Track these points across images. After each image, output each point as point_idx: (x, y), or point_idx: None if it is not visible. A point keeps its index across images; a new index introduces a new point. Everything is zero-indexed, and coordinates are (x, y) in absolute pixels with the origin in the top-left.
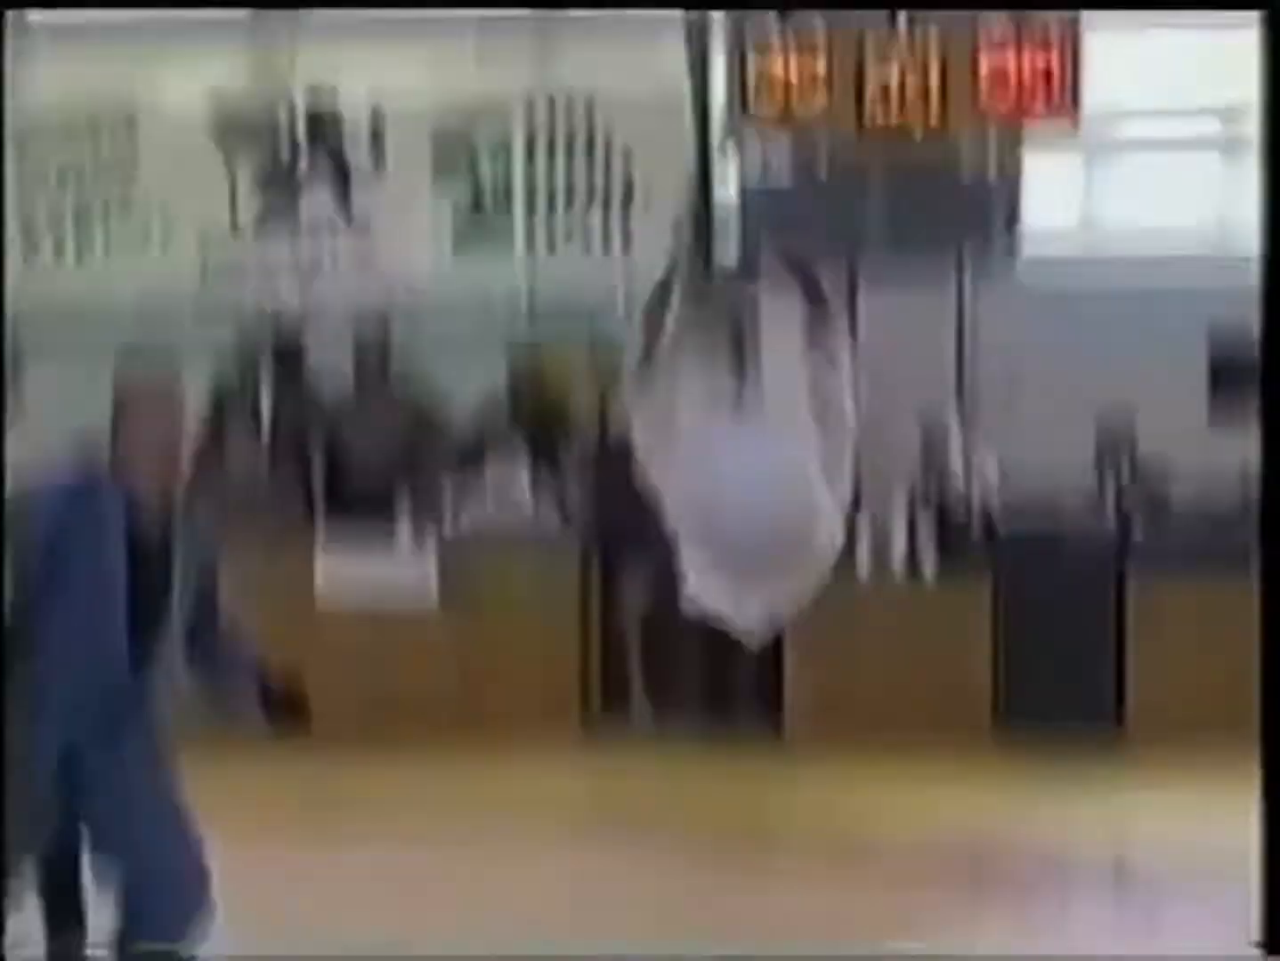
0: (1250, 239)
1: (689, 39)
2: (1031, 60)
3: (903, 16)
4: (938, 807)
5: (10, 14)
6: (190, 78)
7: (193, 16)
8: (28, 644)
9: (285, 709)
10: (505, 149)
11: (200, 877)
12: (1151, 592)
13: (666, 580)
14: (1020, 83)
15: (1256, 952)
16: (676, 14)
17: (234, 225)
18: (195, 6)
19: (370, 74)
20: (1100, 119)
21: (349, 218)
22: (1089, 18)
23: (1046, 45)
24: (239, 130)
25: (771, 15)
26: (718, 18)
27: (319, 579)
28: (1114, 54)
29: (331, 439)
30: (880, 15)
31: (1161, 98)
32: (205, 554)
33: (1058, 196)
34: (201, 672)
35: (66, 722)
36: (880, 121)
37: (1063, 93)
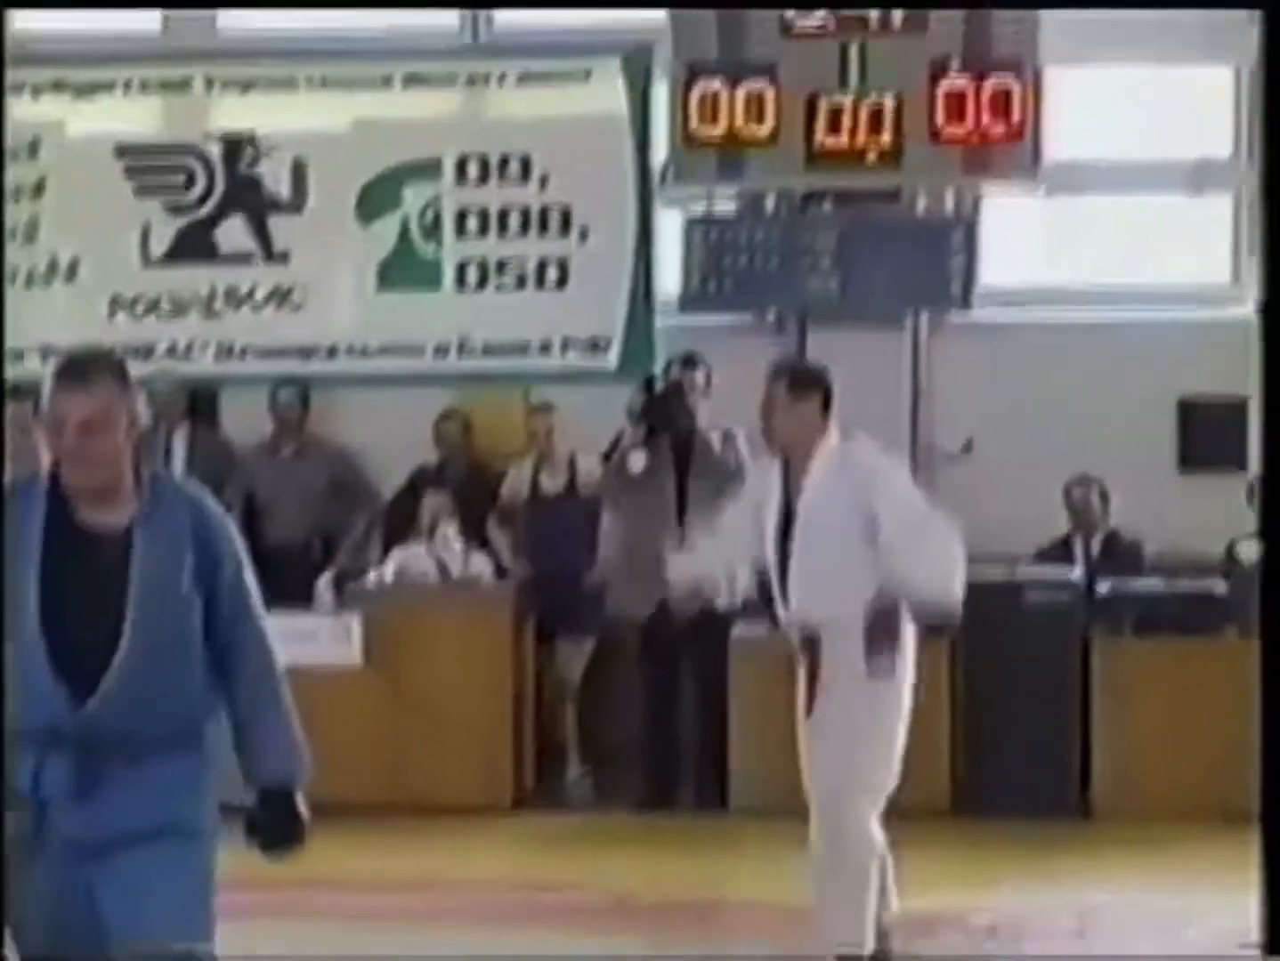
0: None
1: (627, 64)
2: (991, 87)
3: (854, 49)
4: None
5: None
6: (101, 104)
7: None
8: None
9: (279, 826)
10: (434, 176)
11: None
12: (1118, 655)
13: (604, 639)
14: (978, 109)
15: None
16: (615, 40)
17: (144, 257)
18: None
19: (293, 107)
20: (1062, 160)
21: (268, 252)
22: (1050, 47)
23: (1005, 71)
24: (150, 156)
25: (714, 42)
26: (660, 45)
27: None
28: (1078, 90)
29: (248, 487)
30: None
31: (1128, 141)
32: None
33: (1018, 234)
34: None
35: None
36: (830, 146)
37: (1023, 121)
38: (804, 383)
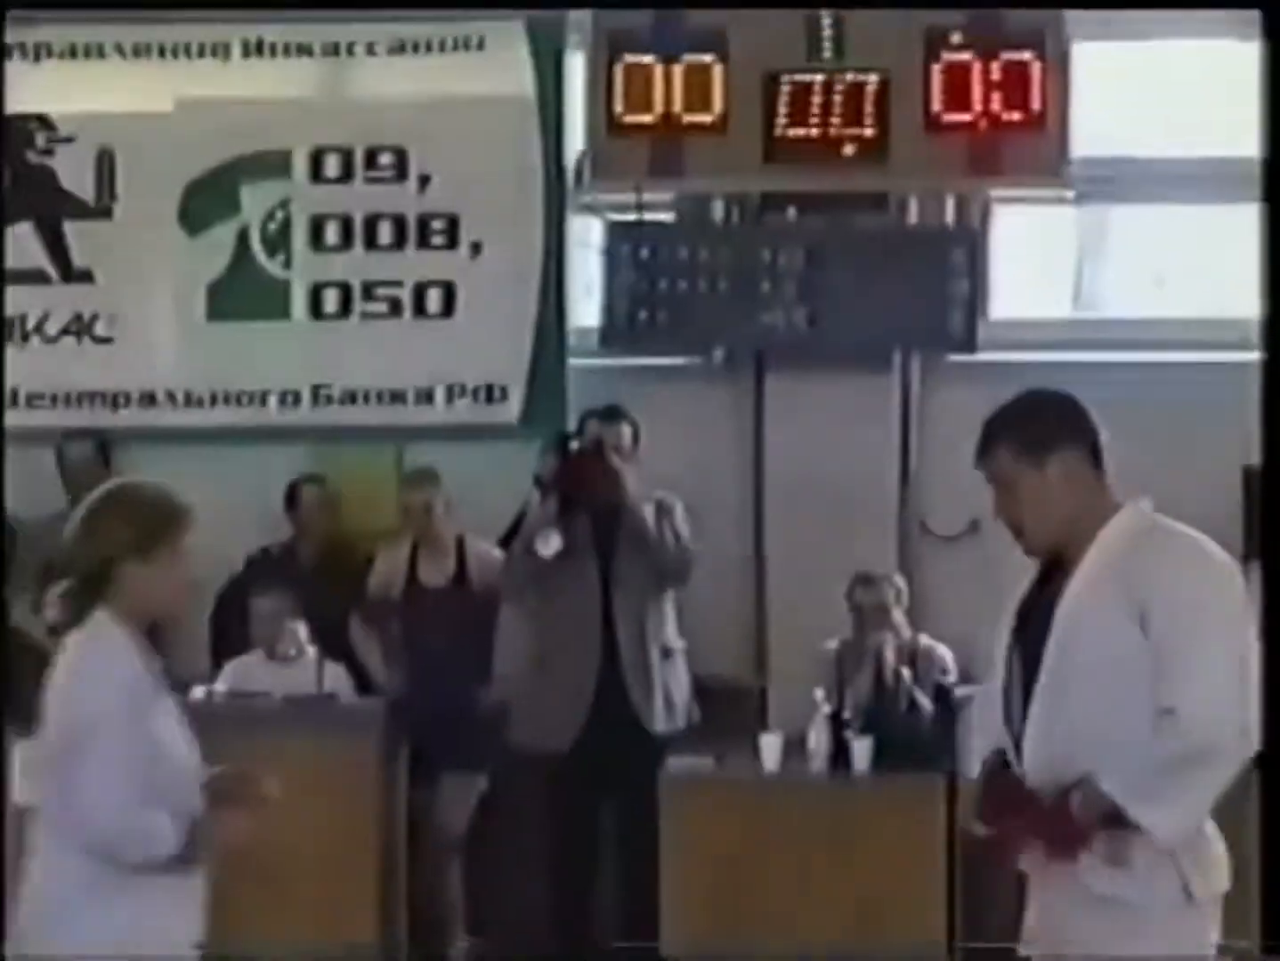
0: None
1: (534, 31)
2: (1004, 64)
3: (826, 15)
4: None
5: None
6: None
7: None
8: None
9: None
10: (282, 173)
11: None
12: None
13: (501, 776)
14: (987, 91)
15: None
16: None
17: None
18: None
19: (99, 82)
20: (1094, 157)
21: (65, 269)
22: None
23: (1022, 45)
24: None
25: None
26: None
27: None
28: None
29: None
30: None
31: (1180, 135)
32: None
33: (1037, 252)
34: None
35: None
36: (795, 137)
37: (1044, 107)
38: (1051, 434)
